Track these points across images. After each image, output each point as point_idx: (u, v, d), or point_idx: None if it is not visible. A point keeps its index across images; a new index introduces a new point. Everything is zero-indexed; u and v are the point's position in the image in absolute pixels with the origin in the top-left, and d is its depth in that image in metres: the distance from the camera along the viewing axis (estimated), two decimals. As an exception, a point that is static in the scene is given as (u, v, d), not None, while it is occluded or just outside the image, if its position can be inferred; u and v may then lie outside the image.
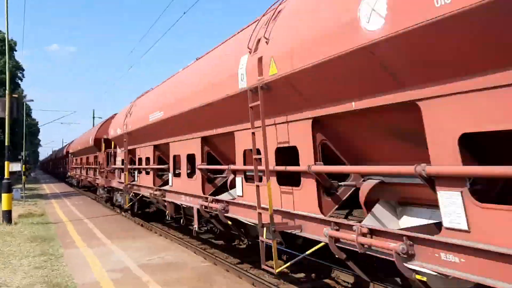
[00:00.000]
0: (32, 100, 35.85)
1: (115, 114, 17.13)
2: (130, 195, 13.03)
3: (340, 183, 4.72)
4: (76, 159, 28.80)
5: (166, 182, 9.79)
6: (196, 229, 7.81)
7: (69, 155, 32.38)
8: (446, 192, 3.08)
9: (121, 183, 13.46)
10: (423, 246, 3.26)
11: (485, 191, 3.35)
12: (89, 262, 8.05)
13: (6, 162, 13.88)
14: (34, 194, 27.78)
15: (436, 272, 3.15)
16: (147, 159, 11.17)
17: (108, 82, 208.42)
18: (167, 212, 9.56)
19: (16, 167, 19.80)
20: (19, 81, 39.72)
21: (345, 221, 4.15)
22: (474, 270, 2.84)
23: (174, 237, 10.57)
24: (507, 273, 2.63)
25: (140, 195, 11.99)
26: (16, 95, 15.63)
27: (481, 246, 2.77)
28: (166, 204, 9.47)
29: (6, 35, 14.46)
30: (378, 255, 3.69)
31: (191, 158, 7.97)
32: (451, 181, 3.02)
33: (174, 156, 8.92)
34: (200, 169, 7.43)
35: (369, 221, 4.11)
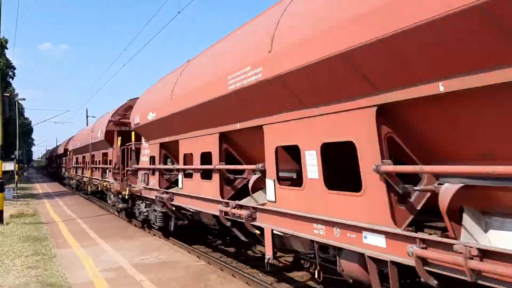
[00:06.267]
0: (24, 99, 35.49)
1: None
2: None
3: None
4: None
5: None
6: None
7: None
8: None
9: None
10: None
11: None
12: (82, 262, 8.04)
13: (-2, 161, 13.76)
14: (27, 193, 27.55)
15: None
16: None
17: (100, 81, 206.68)
18: None
19: (9, 166, 19.61)
20: (10, 80, 39.31)
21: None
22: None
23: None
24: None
25: None
26: (7, 94, 15.49)
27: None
28: None
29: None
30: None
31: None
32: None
33: None
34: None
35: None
